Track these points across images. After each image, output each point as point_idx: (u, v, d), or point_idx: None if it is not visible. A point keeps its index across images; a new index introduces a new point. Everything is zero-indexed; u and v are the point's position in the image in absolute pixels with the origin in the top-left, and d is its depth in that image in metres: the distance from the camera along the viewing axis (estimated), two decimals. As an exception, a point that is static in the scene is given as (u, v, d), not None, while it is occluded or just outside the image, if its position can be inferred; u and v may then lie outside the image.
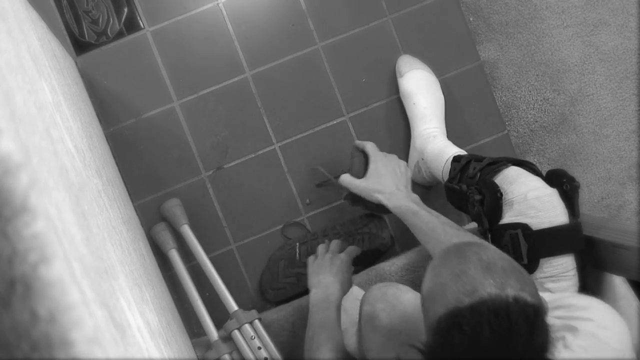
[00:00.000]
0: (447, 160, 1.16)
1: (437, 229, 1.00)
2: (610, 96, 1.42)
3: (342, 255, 1.18)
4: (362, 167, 1.17)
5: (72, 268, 0.39)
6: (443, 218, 1.03)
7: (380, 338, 0.92)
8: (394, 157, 1.17)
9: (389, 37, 1.34)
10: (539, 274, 0.95)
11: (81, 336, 0.36)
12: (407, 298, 0.94)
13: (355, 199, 1.18)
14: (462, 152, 1.18)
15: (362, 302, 0.97)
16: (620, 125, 1.42)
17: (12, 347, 0.36)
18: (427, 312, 0.73)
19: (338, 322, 1.07)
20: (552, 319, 0.76)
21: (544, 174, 1.02)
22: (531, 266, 0.95)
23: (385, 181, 1.11)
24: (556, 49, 1.41)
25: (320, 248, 1.22)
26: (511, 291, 0.67)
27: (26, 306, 0.36)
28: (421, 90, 1.29)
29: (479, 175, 1.04)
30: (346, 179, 1.16)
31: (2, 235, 0.35)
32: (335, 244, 1.22)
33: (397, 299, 0.93)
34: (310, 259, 1.21)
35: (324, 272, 1.15)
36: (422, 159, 1.26)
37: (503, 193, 0.98)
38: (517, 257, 0.94)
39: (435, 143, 1.24)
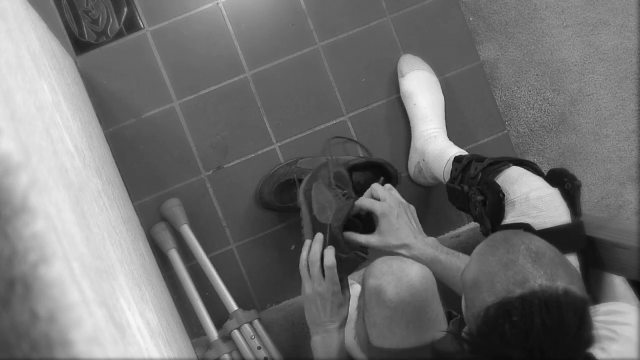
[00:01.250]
0: (448, 161, 1.16)
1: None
2: (610, 96, 1.42)
3: (329, 288, 1.02)
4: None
5: (72, 268, 0.39)
6: (463, 256, 1.02)
7: (386, 312, 0.90)
8: (398, 204, 1.08)
9: (389, 37, 1.34)
10: None
11: (81, 336, 0.36)
12: (414, 270, 0.92)
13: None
14: (464, 152, 1.18)
15: (367, 276, 0.94)
16: (620, 125, 1.42)
17: (12, 347, 0.36)
18: (473, 301, 0.72)
19: None
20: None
21: (545, 173, 1.02)
22: None
23: (402, 233, 1.06)
24: (556, 49, 1.41)
25: (304, 273, 1.05)
26: (561, 284, 0.67)
27: (26, 306, 0.35)
28: (422, 91, 1.29)
29: (480, 176, 1.04)
30: (356, 237, 1.07)
31: (2, 235, 0.35)
32: (315, 266, 1.03)
33: (404, 272, 0.92)
34: (302, 288, 1.05)
35: (319, 316, 1.03)
36: (424, 160, 1.26)
37: (505, 194, 0.98)
38: None
39: (437, 144, 1.24)
